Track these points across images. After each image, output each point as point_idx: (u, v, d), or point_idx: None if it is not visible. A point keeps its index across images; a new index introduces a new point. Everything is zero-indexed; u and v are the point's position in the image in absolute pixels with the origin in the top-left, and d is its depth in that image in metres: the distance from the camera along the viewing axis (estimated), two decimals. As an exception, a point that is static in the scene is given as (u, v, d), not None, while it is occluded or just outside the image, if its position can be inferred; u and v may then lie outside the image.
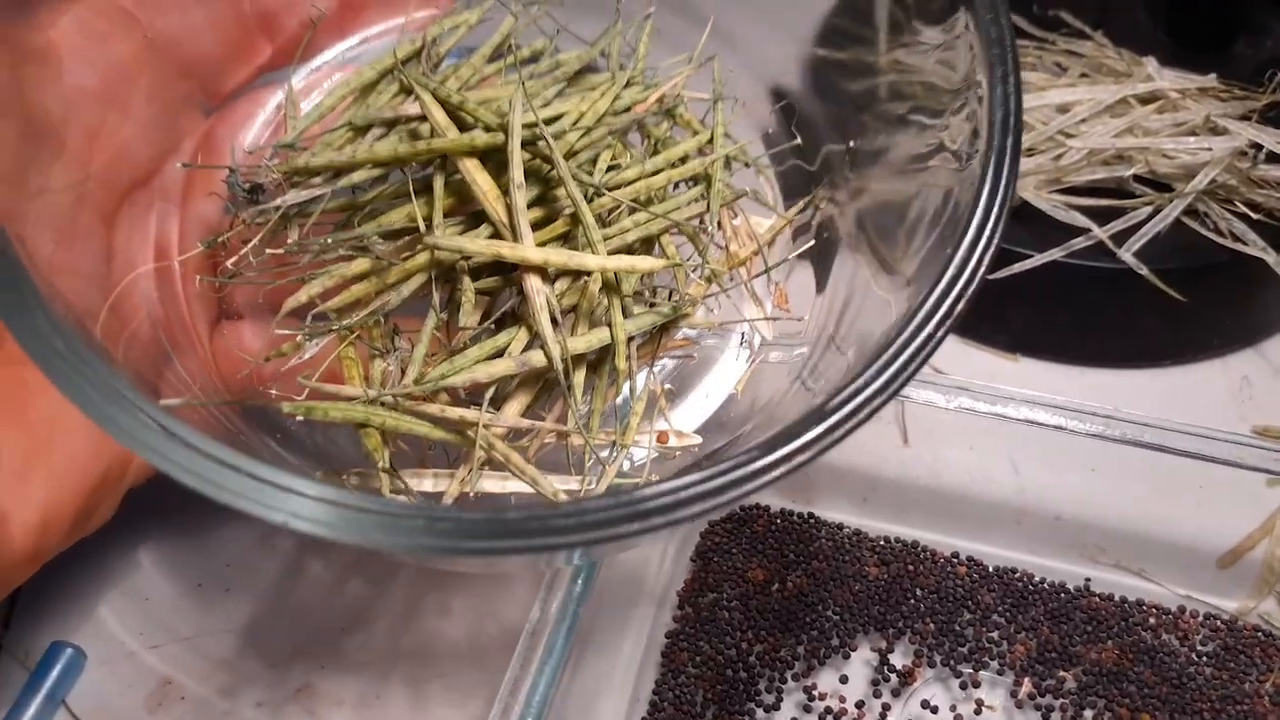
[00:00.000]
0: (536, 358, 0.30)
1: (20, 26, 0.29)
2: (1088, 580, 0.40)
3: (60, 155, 0.30)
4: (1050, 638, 0.38)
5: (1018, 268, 0.45)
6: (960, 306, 0.26)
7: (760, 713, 0.37)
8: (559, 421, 0.31)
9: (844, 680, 0.38)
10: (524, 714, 0.32)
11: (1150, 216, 0.45)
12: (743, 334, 0.35)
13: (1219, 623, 0.39)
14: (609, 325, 0.31)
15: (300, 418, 0.29)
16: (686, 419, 0.34)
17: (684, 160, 0.34)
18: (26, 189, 0.28)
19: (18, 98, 0.28)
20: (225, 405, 0.31)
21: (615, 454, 0.31)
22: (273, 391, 0.30)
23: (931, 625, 0.39)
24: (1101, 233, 0.45)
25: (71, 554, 0.41)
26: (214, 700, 0.39)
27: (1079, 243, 0.45)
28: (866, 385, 0.25)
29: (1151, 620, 0.39)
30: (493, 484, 0.30)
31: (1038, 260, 0.45)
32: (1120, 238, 0.45)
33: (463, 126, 0.32)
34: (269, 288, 0.32)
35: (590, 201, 0.32)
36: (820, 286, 0.36)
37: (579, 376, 0.31)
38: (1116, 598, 0.39)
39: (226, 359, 0.33)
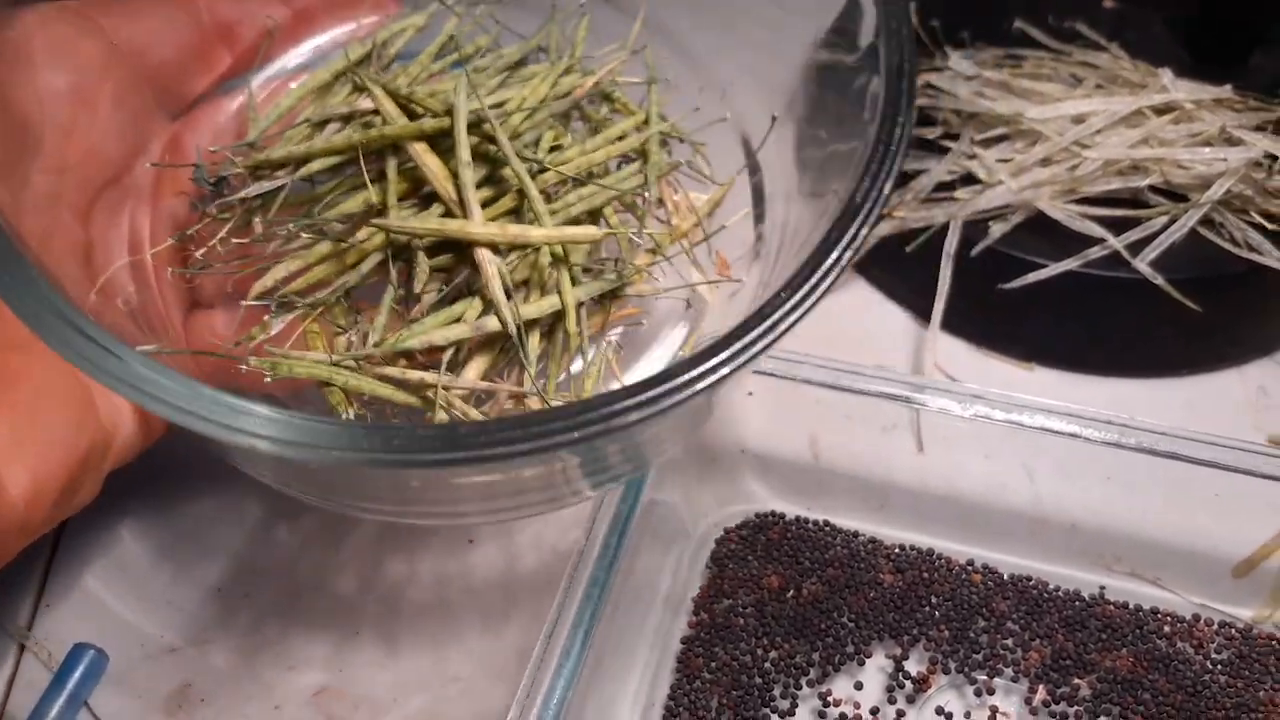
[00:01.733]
0: (491, 323, 0.32)
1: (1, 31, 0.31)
2: (1102, 588, 0.40)
3: (39, 151, 0.32)
4: (1065, 645, 0.38)
5: (1033, 277, 0.45)
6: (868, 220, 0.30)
7: (775, 718, 0.37)
8: (516, 385, 0.33)
9: (859, 687, 0.38)
10: (541, 715, 0.32)
11: (1166, 226, 0.45)
12: (687, 300, 0.37)
13: (1234, 631, 0.39)
14: (560, 293, 0.33)
15: (269, 378, 0.31)
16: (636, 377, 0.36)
17: (621, 139, 0.37)
18: (14, 179, 0.30)
19: None
20: (201, 356, 0.34)
21: None
22: (248, 362, 0.32)
23: (946, 632, 0.39)
24: (1117, 242, 0.45)
25: (97, 558, 0.42)
26: (233, 703, 0.39)
27: (1095, 252, 0.45)
28: (789, 288, 0.28)
29: (1166, 628, 0.39)
30: None
31: (1053, 270, 0.45)
32: (1136, 248, 0.45)
33: (412, 117, 0.35)
34: (236, 276, 0.34)
35: (534, 177, 0.34)
36: (758, 243, 0.38)
37: (533, 341, 0.33)
38: (1131, 606, 0.39)
39: (200, 346, 0.35)
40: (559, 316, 0.34)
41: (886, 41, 0.32)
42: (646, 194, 0.37)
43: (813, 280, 0.29)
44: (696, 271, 0.37)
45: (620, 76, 0.39)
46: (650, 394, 0.26)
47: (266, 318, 0.33)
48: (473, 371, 0.33)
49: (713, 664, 0.38)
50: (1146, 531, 0.41)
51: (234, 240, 0.34)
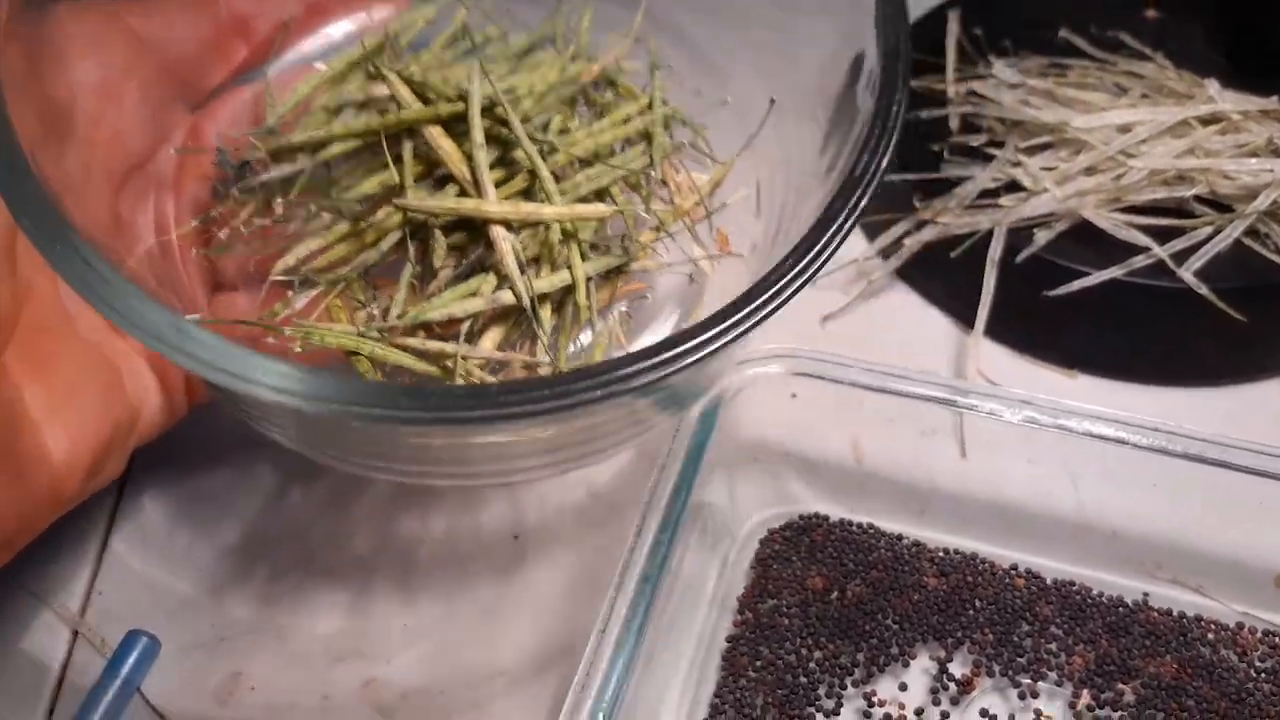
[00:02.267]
0: (506, 296, 0.34)
1: (39, 25, 0.33)
2: (1146, 595, 0.40)
3: (72, 135, 0.33)
4: (1109, 650, 0.38)
5: (1077, 285, 0.46)
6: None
7: (820, 717, 0.38)
8: (529, 355, 0.35)
9: (903, 688, 0.38)
10: (595, 710, 0.32)
11: (1211, 236, 0.45)
12: (690, 275, 0.39)
13: (1277, 640, 0.39)
14: (570, 269, 0.35)
15: (299, 347, 0.33)
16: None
17: (626, 121, 0.39)
18: (51, 157, 0.31)
19: (37, 84, 0.32)
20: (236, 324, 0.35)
21: None
22: (281, 331, 0.33)
23: (990, 636, 0.39)
24: (1162, 251, 0.45)
25: (148, 546, 0.43)
26: (282, 692, 0.39)
27: (1139, 261, 0.45)
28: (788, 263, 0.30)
29: (1210, 636, 0.39)
30: None
31: (1097, 278, 0.45)
32: (1180, 257, 0.45)
33: (426, 102, 0.36)
34: (258, 257, 0.36)
35: (545, 159, 0.36)
36: (758, 221, 0.40)
37: (545, 314, 0.35)
38: (1175, 613, 0.40)
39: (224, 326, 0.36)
40: (569, 291, 0.36)
41: (882, 26, 0.34)
42: (651, 173, 0.38)
43: (815, 249, 0.30)
44: (698, 247, 0.39)
45: (624, 62, 0.41)
46: (660, 358, 0.28)
47: (290, 293, 0.35)
48: (489, 342, 0.35)
49: (758, 663, 0.39)
50: (1189, 539, 0.41)
51: (256, 222, 0.36)
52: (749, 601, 0.40)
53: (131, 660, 0.39)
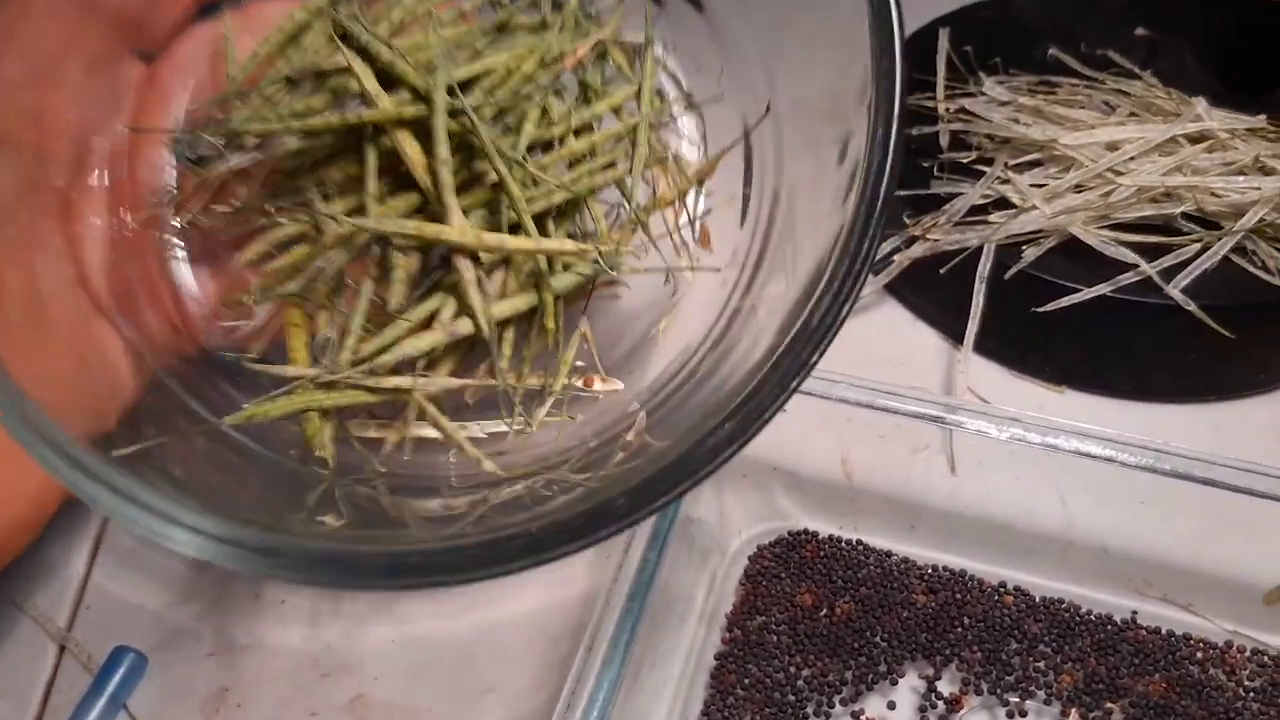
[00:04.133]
0: (465, 326, 0.32)
1: None
2: (1134, 613, 0.40)
3: (5, 145, 0.31)
4: (1097, 669, 0.38)
5: (1065, 301, 0.46)
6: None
7: (808, 735, 0.38)
8: (489, 374, 0.33)
9: (891, 706, 0.38)
10: (582, 728, 0.32)
11: (1199, 254, 0.45)
12: (666, 274, 0.37)
13: (1266, 659, 0.39)
14: (536, 287, 0.33)
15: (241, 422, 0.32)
16: (620, 351, 0.37)
17: (617, 112, 0.36)
18: None
19: None
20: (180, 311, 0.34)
21: (547, 398, 0.34)
22: (237, 413, 0.32)
23: (979, 653, 0.39)
24: (1150, 268, 0.45)
25: (134, 561, 0.43)
26: (268, 708, 0.39)
27: (1127, 278, 0.45)
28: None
29: (1199, 654, 0.39)
30: (429, 431, 0.33)
31: (1085, 295, 0.46)
32: (1168, 274, 0.45)
33: (391, 82, 0.33)
34: (219, 237, 0.34)
35: (513, 169, 0.33)
36: (743, 219, 0.38)
37: (508, 334, 0.33)
38: (1163, 631, 0.40)
39: (183, 300, 0.35)
40: (533, 311, 0.34)
41: (875, 27, 0.31)
42: (631, 177, 0.36)
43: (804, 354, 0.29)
44: (676, 254, 0.38)
45: (618, 36, 0.38)
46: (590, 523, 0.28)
47: (248, 300, 0.34)
48: (444, 370, 0.33)
49: (746, 680, 0.39)
50: (1178, 557, 0.41)
51: (215, 209, 0.34)
52: (737, 618, 0.40)
53: (118, 676, 0.39)
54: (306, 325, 0.34)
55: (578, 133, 0.35)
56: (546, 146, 0.35)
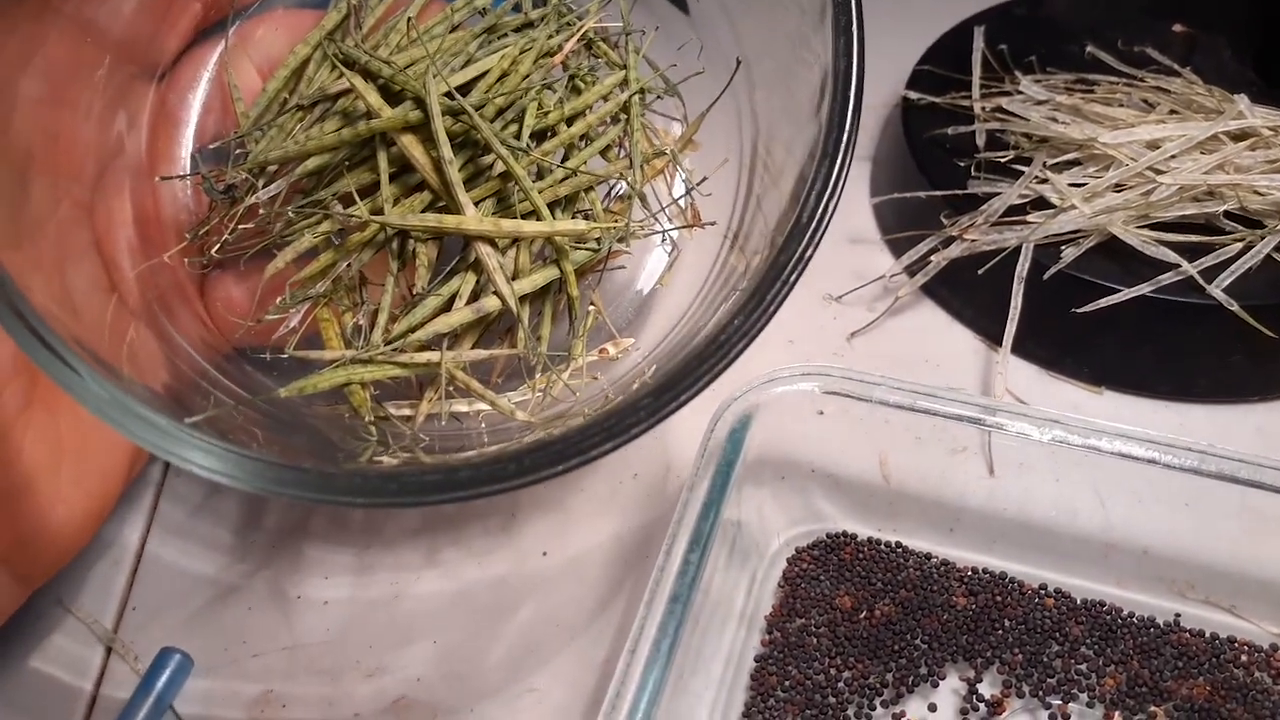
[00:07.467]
0: (491, 303, 0.35)
1: None
2: (1177, 615, 0.40)
3: (30, 166, 0.32)
4: (1140, 672, 0.38)
5: (1105, 302, 0.45)
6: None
7: (849, 738, 0.38)
8: (512, 347, 0.36)
9: (933, 709, 0.38)
10: (626, 731, 0.33)
11: (1241, 253, 0.45)
12: (663, 235, 0.40)
13: (1312, 662, 0.39)
14: (551, 262, 0.36)
15: (288, 353, 0.35)
16: (622, 315, 0.41)
17: (606, 99, 0.38)
18: (22, 223, 0.30)
19: None
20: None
21: (567, 365, 0.37)
22: (281, 352, 0.35)
23: (1020, 656, 0.39)
24: (1191, 268, 0.45)
25: (180, 564, 0.43)
26: (313, 710, 0.40)
27: (1168, 278, 0.45)
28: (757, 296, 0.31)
29: (1243, 657, 0.39)
30: (461, 405, 0.37)
31: (1125, 295, 0.45)
32: (1210, 273, 0.45)
33: (395, 96, 0.35)
34: (248, 256, 0.36)
35: (518, 157, 0.35)
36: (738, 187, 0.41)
37: (525, 311, 0.35)
38: (1207, 634, 0.39)
39: (216, 310, 0.37)
40: (547, 286, 0.36)
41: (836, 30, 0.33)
42: (629, 155, 0.38)
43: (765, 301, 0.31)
44: (671, 218, 0.40)
45: (598, 23, 0.40)
46: (616, 426, 0.29)
47: (280, 299, 0.36)
48: (469, 342, 0.36)
49: (786, 682, 0.39)
50: (1220, 559, 0.40)
51: (241, 228, 0.36)
52: (777, 620, 0.40)
53: (164, 678, 0.39)
54: (337, 318, 0.36)
55: (570, 121, 0.38)
56: (545, 137, 0.37)
